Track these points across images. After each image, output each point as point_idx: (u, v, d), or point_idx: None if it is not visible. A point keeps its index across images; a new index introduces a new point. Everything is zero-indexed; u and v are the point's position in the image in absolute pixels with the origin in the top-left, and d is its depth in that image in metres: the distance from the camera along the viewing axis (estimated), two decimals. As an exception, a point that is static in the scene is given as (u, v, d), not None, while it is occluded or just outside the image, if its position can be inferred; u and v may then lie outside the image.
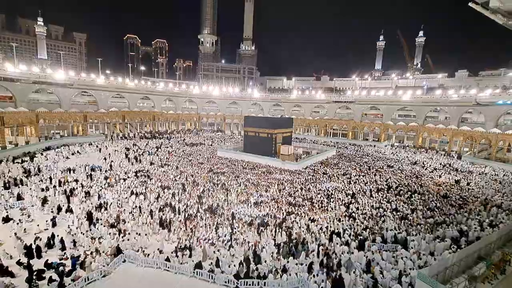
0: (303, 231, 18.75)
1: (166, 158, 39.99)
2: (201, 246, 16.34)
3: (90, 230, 18.08)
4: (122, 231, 17.73)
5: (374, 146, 62.72)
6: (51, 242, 16.32)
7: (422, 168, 40.85)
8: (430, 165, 42.66)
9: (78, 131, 54.16)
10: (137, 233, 17.86)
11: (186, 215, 20.28)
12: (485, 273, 14.21)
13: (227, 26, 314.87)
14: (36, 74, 54.53)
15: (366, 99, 78.16)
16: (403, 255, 15.86)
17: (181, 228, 18.44)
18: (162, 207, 21.64)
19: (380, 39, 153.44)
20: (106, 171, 31.20)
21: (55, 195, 23.32)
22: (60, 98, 57.64)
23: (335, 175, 34.47)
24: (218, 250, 16.15)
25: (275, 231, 18.49)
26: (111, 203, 21.97)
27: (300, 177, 32.76)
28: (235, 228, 18.67)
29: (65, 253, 15.71)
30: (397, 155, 52.15)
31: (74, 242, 16.51)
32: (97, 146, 46.06)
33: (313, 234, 18.47)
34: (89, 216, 19.45)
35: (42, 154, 38.90)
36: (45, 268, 14.12)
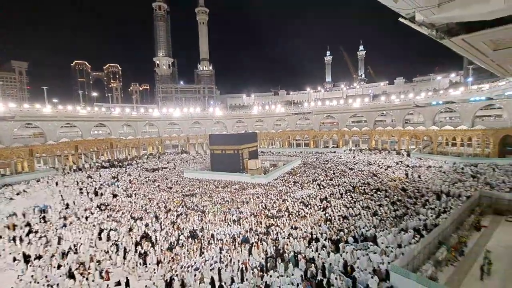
0: (289, 240, 18.88)
1: (129, 187, 37.48)
2: (177, 275, 15.41)
3: (46, 277, 16.02)
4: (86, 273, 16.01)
5: (335, 152, 66.44)
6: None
7: (378, 167, 44.30)
8: (384, 164, 46.45)
9: (24, 168, 48.41)
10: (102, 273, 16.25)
11: (168, 245, 19.04)
12: (447, 257, 15.70)
13: (183, 46, 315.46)
14: (-35, 109, 48.17)
15: (322, 109, 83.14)
16: (375, 251, 16.83)
17: (163, 260, 17.19)
18: (138, 241, 19.95)
19: (327, 54, 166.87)
20: (60, 211, 27.92)
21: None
22: (-1, 133, 51.34)
23: (305, 182, 35.64)
24: (195, 275, 15.40)
25: (262, 245, 18.31)
26: (81, 245, 19.70)
27: (273, 189, 33.17)
28: (223, 250, 18.00)
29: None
30: (355, 158, 55.80)
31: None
32: (47, 182, 41.52)
33: (295, 241, 18.72)
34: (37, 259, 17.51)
35: (-22, 198, 33.86)
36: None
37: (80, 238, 20.96)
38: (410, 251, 14.98)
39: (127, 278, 15.27)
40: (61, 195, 33.33)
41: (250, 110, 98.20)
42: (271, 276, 14.86)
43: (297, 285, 14.08)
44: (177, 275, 15.40)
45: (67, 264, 17.01)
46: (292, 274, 15.20)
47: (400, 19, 12.85)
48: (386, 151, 61.09)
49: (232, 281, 14.68)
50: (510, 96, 46.48)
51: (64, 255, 18.26)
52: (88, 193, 34.42)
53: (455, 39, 10.42)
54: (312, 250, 17.51)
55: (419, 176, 36.37)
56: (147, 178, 42.91)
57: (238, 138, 47.95)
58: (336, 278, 14.27)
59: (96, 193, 34.09)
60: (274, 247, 18.05)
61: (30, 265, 17.06)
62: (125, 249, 18.67)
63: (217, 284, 14.63)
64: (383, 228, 20.30)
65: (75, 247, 19.23)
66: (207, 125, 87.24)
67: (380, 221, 21.59)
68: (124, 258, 17.76)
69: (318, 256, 16.57)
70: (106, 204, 29.73)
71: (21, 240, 20.83)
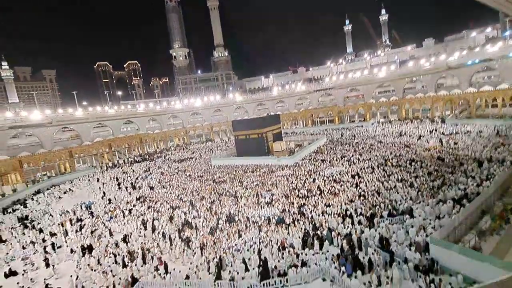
0: (324, 218, 19.11)
1: (162, 179, 38.99)
2: (220, 257, 16.28)
3: (101, 265, 17.68)
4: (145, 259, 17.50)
5: (362, 126, 63.94)
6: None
7: (410, 138, 42.13)
8: (416, 134, 44.10)
9: (66, 169, 52.66)
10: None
11: (209, 230, 20.13)
12: (491, 226, 14.83)
13: (197, 35, 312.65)
14: (11, 119, 52.69)
15: (345, 83, 79.67)
16: (413, 224, 16.35)
17: (206, 244, 18.29)
18: (180, 228, 21.26)
19: (347, 23, 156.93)
20: (105, 206, 30.07)
21: (50, 237, 22.57)
22: (41, 138, 55.86)
23: (334, 159, 35.16)
24: (233, 256, 16.20)
25: (299, 224, 18.79)
26: (131, 234, 21.54)
27: (301, 169, 33.09)
28: (262, 231, 18.68)
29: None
30: (384, 130, 53.41)
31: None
32: (89, 180, 44.93)
33: (330, 218, 18.93)
34: (89, 250, 19.45)
35: (32, 199, 37.62)
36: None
37: (122, 230, 22.74)
38: (450, 222, 14.35)
39: (165, 262, 16.53)
40: (103, 192, 35.83)
41: (269, 92, 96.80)
42: (306, 254, 15.15)
43: (332, 260, 14.24)
44: (220, 257, 16.29)
45: (119, 254, 18.57)
46: (327, 251, 15.34)
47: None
48: (418, 120, 57.62)
49: (266, 261, 15.12)
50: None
51: (116, 245, 19.98)
52: (126, 187, 36.58)
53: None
54: (345, 227, 17.50)
55: (455, 143, 34.11)
56: (177, 169, 44.60)
57: (261, 122, 47.77)
58: (372, 253, 14.18)
59: (133, 187, 36.21)
60: (311, 225, 18.28)
61: (87, 256, 18.88)
62: (170, 237, 19.91)
63: (253, 263, 15.22)
64: (419, 200, 19.58)
65: (126, 238, 20.84)
66: (228, 112, 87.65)
67: (418, 192, 20.81)
68: (171, 244, 19.01)
69: (355, 232, 16.53)
70: (145, 196, 31.56)
71: (76, 233, 22.98)
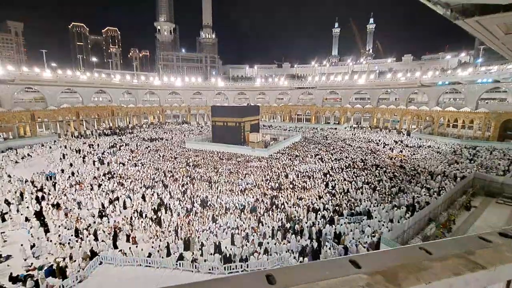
0: (295, 210, 20.05)
1: (133, 157, 37.19)
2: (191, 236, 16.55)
3: (59, 236, 17.10)
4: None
5: (335, 129, 66.49)
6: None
7: (376, 145, 44.96)
8: (382, 142, 47.29)
9: (26, 132, 48.82)
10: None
11: (184, 212, 20.11)
12: (435, 233, 16.64)
13: (185, 13, 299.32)
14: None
15: (326, 85, 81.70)
16: (369, 224, 17.86)
17: (182, 225, 18.29)
18: (156, 208, 20.94)
19: (336, 26, 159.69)
20: (69, 177, 28.14)
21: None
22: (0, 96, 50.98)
23: (306, 157, 36.41)
24: (207, 239, 16.56)
25: (273, 214, 19.53)
26: (106, 208, 20.82)
27: (275, 162, 33.88)
28: (237, 218, 19.07)
29: (32, 263, 14.77)
30: (354, 135, 56.16)
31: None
32: (50, 148, 42.17)
33: (300, 210, 19.98)
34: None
35: (-16, 160, 34.62)
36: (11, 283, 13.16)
37: (87, 204, 21.93)
38: (400, 226, 15.88)
39: (114, 236, 16.54)
40: (70, 163, 33.51)
41: (252, 82, 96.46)
42: (268, 242, 15.93)
43: (292, 251, 15.17)
44: (188, 238, 16.56)
45: (86, 228, 17.97)
46: (289, 242, 16.23)
47: (416, -3, 12.44)
48: (387, 130, 61.22)
49: (219, 246, 15.75)
50: (517, 79, 45.73)
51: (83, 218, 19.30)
52: (94, 162, 34.13)
53: (469, 20, 10.19)
54: (308, 220, 18.63)
55: (413, 154, 37.15)
56: (148, 148, 43.08)
57: (240, 111, 47.78)
58: (330, 248, 15.31)
59: (102, 162, 34.17)
60: (285, 215, 19.22)
61: (44, 226, 18.04)
62: (146, 215, 19.64)
63: (211, 248, 15.76)
64: (377, 203, 21.23)
65: (100, 212, 20.19)
66: (209, 96, 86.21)
67: (379, 195, 22.57)
68: (146, 224, 18.73)
69: (319, 225, 17.75)
70: (113, 172, 30.11)
71: (37, 203, 21.61)
